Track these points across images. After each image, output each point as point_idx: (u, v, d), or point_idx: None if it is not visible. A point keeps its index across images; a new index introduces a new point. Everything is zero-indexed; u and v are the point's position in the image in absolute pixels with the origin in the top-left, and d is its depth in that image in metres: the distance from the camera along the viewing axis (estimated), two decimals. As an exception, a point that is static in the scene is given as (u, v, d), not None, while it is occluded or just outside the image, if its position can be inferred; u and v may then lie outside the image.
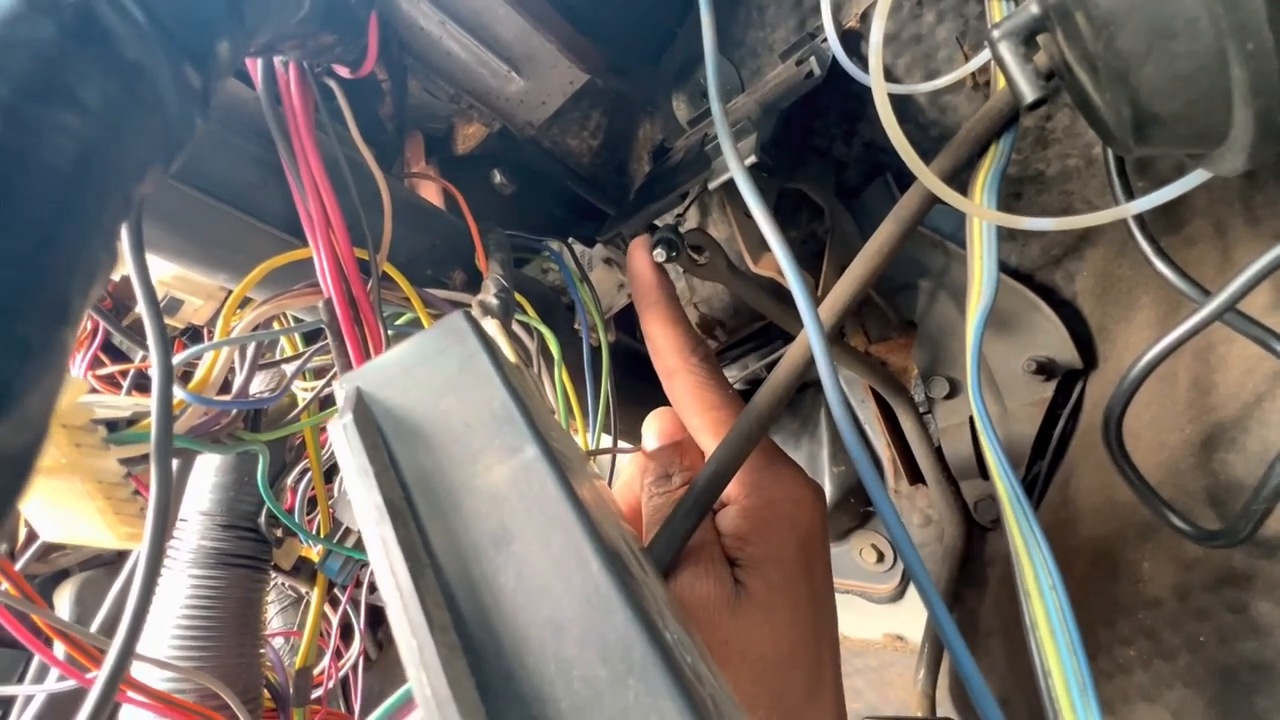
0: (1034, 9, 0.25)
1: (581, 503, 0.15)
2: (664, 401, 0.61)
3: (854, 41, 0.47)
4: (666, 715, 0.12)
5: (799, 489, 0.29)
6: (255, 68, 0.32)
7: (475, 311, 0.31)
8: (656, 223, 0.59)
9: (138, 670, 0.37)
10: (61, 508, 0.22)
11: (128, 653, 0.20)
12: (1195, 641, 0.31)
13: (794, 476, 0.30)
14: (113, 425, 0.26)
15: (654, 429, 0.34)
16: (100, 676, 0.19)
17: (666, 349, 0.33)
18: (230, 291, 0.34)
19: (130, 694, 0.34)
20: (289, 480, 0.49)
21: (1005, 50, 0.26)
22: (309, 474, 0.48)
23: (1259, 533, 0.28)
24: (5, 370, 0.09)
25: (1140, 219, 0.31)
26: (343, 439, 0.17)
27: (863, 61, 0.49)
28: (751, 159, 0.34)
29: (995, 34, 0.26)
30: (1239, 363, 0.33)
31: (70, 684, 0.38)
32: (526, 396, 0.18)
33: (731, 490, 0.30)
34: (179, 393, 0.28)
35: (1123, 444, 0.31)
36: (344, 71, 0.36)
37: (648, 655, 0.13)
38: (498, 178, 0.56)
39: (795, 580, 0.26)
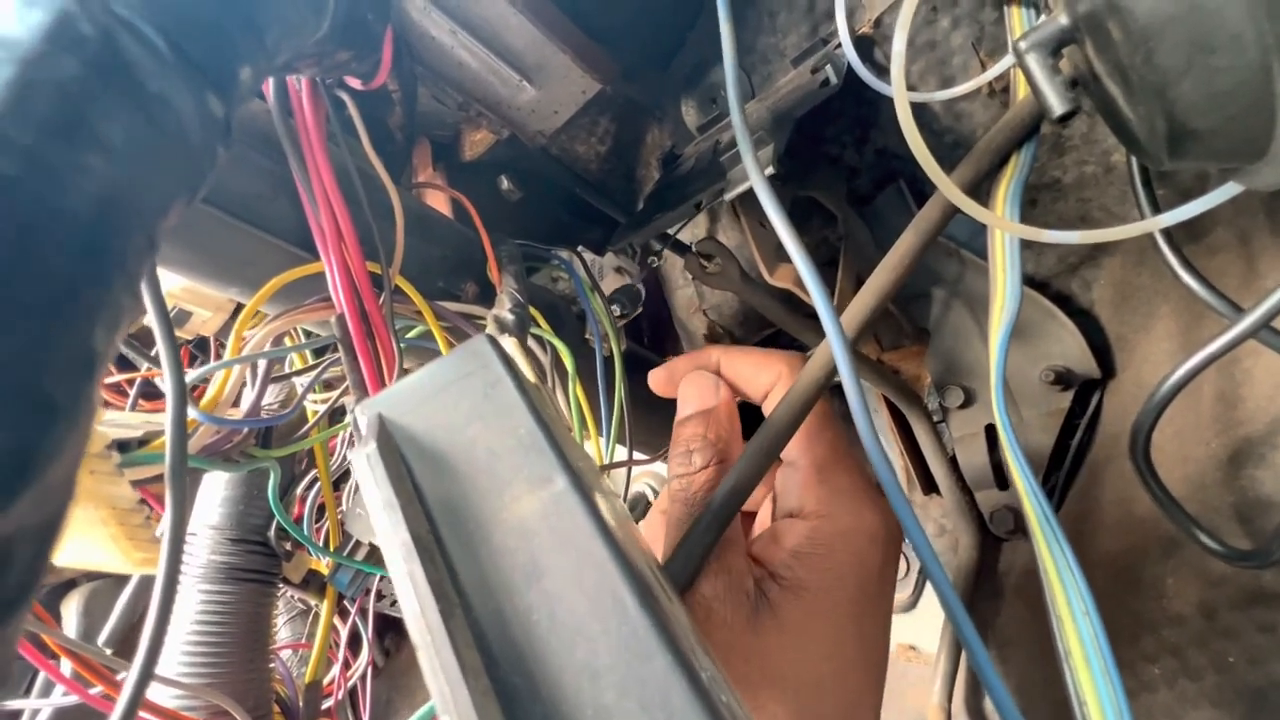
0: (1063, 20, 0.24)
1: (614, 537, 0.15)
2: (674, 413, 0.60)
3: (867, 48, 0.47)
4: (713, 770, 0.12)
5: (877, 525, 0.27)
6: (268, 83, 0.32)
7: (491, 328, 0.30)
8: (669, 232, 0.59)
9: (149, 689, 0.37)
10: (74, 534, 0.22)
11: (144, 682, 0.19)
12: (1223, 661, 0.31)
13: (875, 509, 0.27)
14: (124, 445, 0.25)
15: (685, 395, 0.31)
16: (116, 712, 0.19)
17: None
18: (240, 304, 0.34)
19: (140, 713, 0.34)
20: (298, 490, 0.49)
21: (1032, 61, 0.25)
22: (317, 484, 0.47)
23: (1290, 551, 0.28)
24: (29, 437, 0.08)
25: (1167, 232, 0.31)
26: (366, 469, 0.16)
27: (877, 68, 0.48)
28: (770, 169, 0.34)
29: (1022, 45, 0.25)
30: (1266, 377, 0.33)
31: (74, 700, 0.38)
32: (551, 422, 0.18)
33: (806, 499, 0.27)
34: (190, 412, 0.28)
35: (1150, 462, 0.30)
36: (356, 83, 0.35)
37: (688, 704, 0.13)
38: (505, 184, 0.56)
39: (843, 616, 0.25)
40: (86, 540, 0.22)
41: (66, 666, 0.36)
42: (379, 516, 0.15)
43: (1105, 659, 0.22)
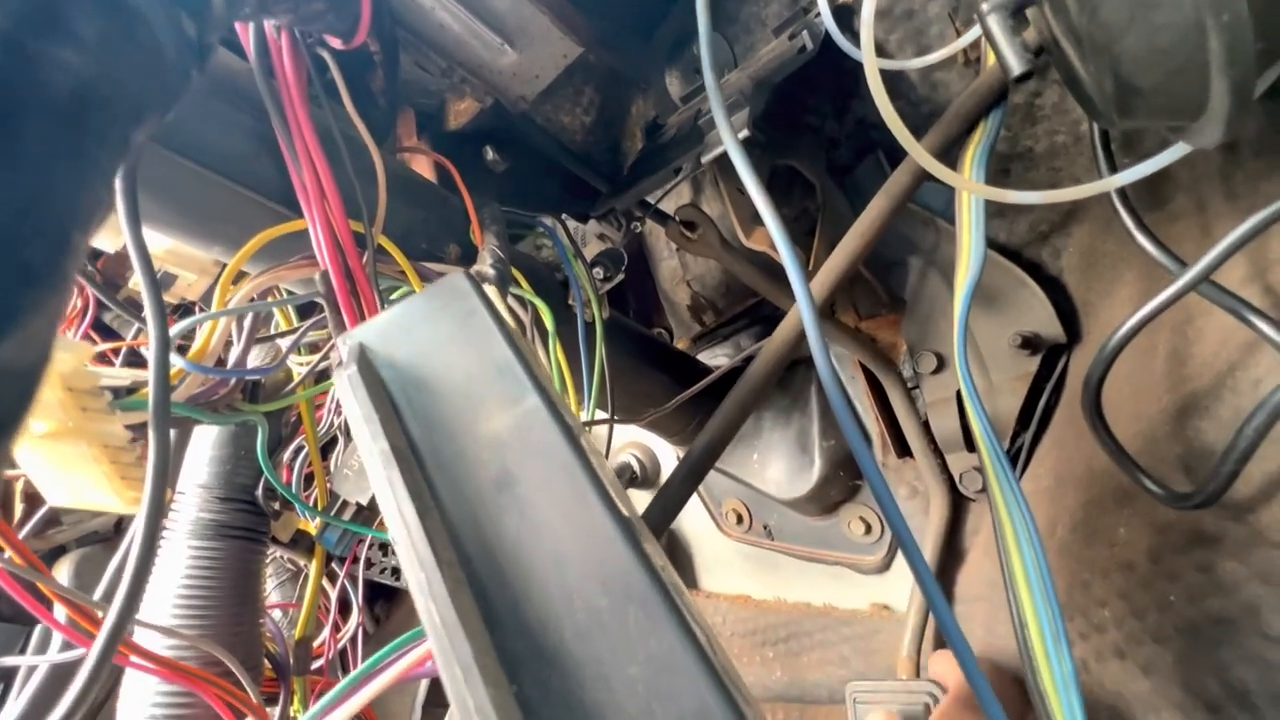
0: (1022, -19, 0.25)
1: (581, 447, 0.16)
2: (661, 380, 0.61)
3: (847, 17, 0.47)
4: (665, 638, 0.13)
5: None
6: (247, 36, 0.32)
7: (472, 281, 0.31)
8: (650, 200, 0.59)
9: (140, 636, 0.38)
10: (68, 472, 0.23)
11: (133, 599, 0.20)
12: (1165, 600, 0.33)
13: None
14: (113, 394, 0.26)
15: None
16: (104, 627, 0.20)
17: None
18: (224, 265, 0.34)
19: (133, 658, 0.35)
20: (284, 457, 0.50)
21: (994, 23, 0.26)
22: (304, 451, 0.48)
23: (1229, 495, 0.29)
24: (8, 292, 0.09)
25: (1123, 193, 0.32)
26: (347, 388, 0.17)
27: (855, 36, 0.49)
28: (744, 133, 0.35)
29: (984, 7, 0.26)
30: (1215, 334, 0.34)
31: (72, 655, 0.39)
32: (525, 350, 0.19)
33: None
34: (178, 361, 0.28)
35: (1100, 409, 0.32)
36: (336, 43, 0.36)
37: (646, 585, 0.14)
38: (490, 154, 0.56)
39: None
40: (80, 478, 0.23)
41: (60, 613, 0.36)
42: (360, 431, 0.16)
43: (1045, 584, 0.24)
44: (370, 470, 0.16)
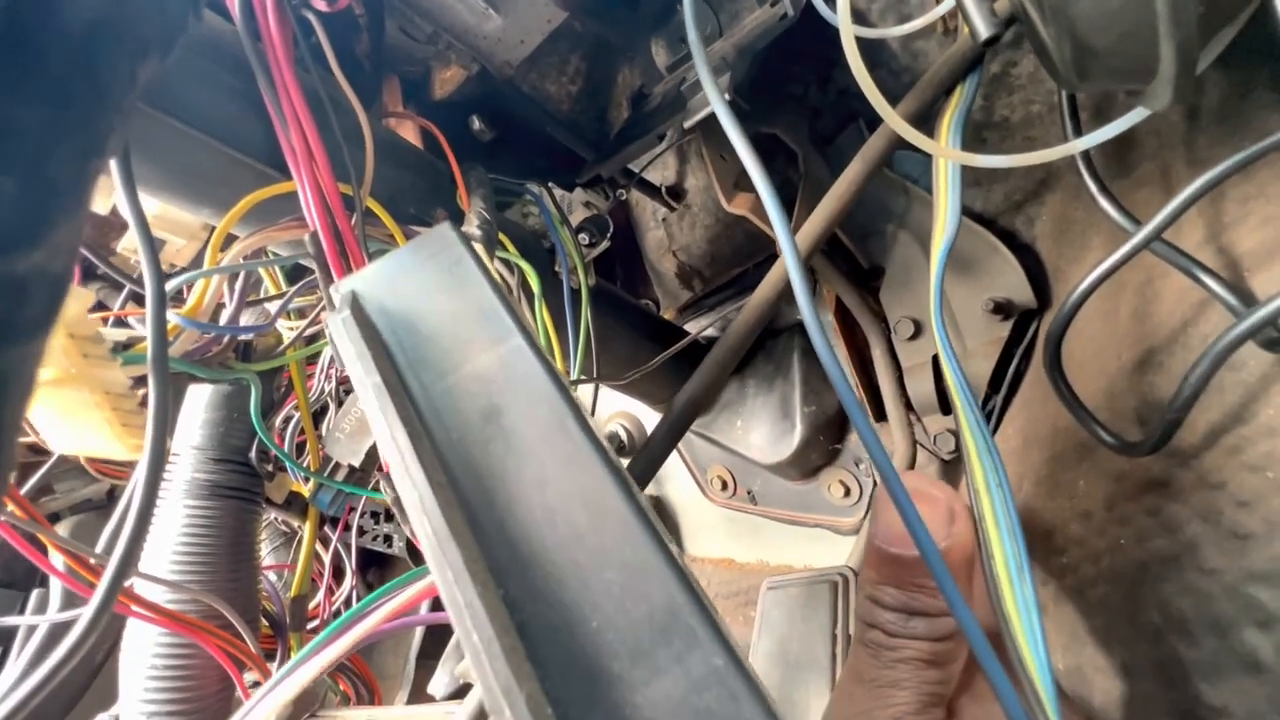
0: (989, -54, 0.26)
1: (562, 381, 0.17)
2: (645, 347, 0.62)
3: (830, -15, 0.48)
4: (639, 548, 0.15)
5: None
6: (233, 1, 0.32)
7: (459, 241, 0.32)
8: (633, 169, 0.60)
9: (141, 588, 0.39)
10: (71, 419, 0.24)
11: (136, 542, 0.22)
12: (1117, 544, 0.35)
13: None
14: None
15: (892, 516, 0.22)
16: (107, 571, 0.21)
17: None
18: (213, 229, 0.35)
19: (135, 608, 0.36)
20: (276, 423, 0.51)
21: (963, -14, 0.27)
22: (295, 419, 0.49)
23: (1176, 443, 0.31)
24: (40, 203, 0.10)
25: (1087, 156, 0.33)
26: (341, 330, 0.18)
27: (835, 3, 0.49)
28: (727, 95, 0.35)
29: (954, -29, 0.27)
30: (1172, 294, 0.36)
31: (73, 613, 0.40)
32: (510, 298, 0.20)
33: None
34: (173, 317, 0.29)
35: (1059, 364, 0.33)
36: (321, 4, 0.36)
37: (620, 502, 0.15)
38: (476, 124, 0.56)
39: None
40: (82, 424, 0.24)
41: (59, 561, 0.37)
42: (353, 367, 0.17)
43: (1011, 519, 0.25)
44: (365, 404, 0.17)
